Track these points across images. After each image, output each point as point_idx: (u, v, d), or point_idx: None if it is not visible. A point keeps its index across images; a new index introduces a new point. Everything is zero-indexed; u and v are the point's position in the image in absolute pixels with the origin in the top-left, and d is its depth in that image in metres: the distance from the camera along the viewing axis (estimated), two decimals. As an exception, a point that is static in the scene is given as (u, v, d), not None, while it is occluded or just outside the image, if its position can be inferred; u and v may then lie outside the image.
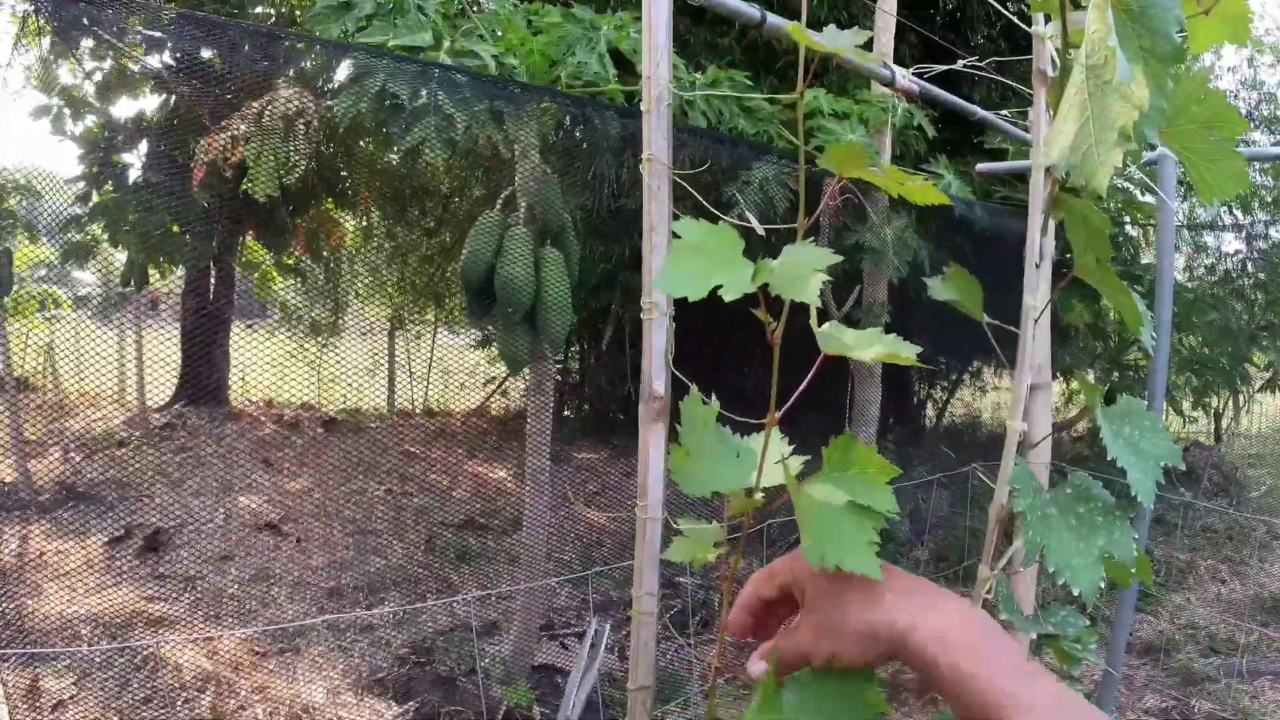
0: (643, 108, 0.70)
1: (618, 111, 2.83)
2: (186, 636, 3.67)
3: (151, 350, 7.71)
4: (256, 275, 8.54)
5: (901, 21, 4.32)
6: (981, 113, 2.39)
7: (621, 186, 3.21)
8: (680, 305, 0.68)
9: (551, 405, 3.41)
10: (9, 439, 5.32)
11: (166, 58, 6.42)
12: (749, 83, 3.39)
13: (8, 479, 5.31)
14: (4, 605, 3.78)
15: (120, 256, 7.05)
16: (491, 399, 9.37)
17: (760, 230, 0.78)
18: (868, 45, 0.65)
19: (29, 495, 5.12)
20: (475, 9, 2.81)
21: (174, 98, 6.79)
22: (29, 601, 3.87)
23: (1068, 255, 0.79)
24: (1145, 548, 3.56)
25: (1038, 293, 0.77)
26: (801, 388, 0.68)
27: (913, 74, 2.04)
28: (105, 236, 6.76)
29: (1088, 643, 0.78)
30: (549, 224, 3.09)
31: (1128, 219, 5.72)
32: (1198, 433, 8.56)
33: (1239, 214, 6.67)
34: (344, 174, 7.24)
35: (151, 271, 7.16)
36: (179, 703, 3.16)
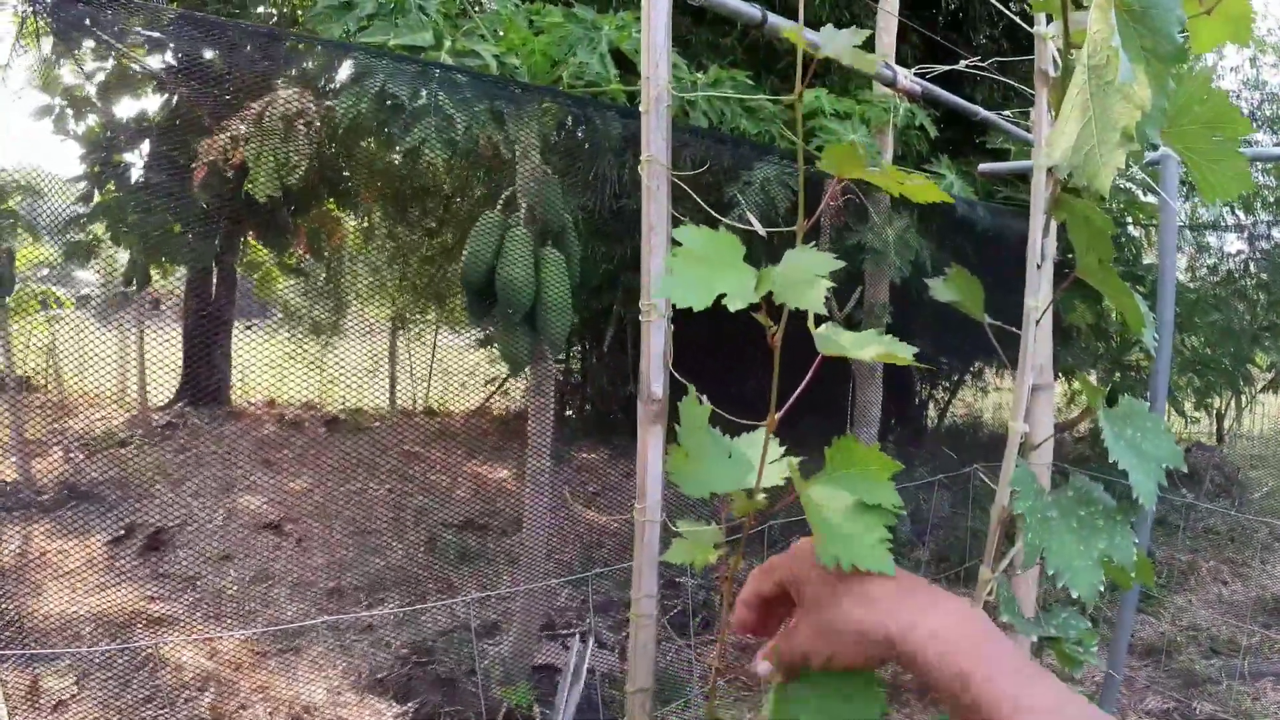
0: (641, 108, 0.70)
1: (619, 112, 2.83)
2: (187, 636, 3.67)
3: (153, 350, 7.72)
4: (258, 275, 8.55)
5: (903, 21, 4.32)
6: (983, 113, 2.38)
7: (623, 187, 3.21)
8: (679, 307, 0.68)
9: (552, 406, 3.41)
10: (11, 439, 5.33)
11: (168, 58, 6.43)
12: (751, 83, 3.38)
13: (10, 478, 5.31)
14: (5, 605, 3.78)
15: (122, 256, 7.06)
16: (493, 399, 9.37)
17: (762, 231, 0.78)
18: (868, 45, 0.65)
19: (30, 495, 5.12)
20: (477, 9, 2.81)
21: (175, 98, 6.79)
22: (30, 601, 3.88)
23: (1070, 256, 0.79)
24: (1147, 549, 3.56)
25: (1039, 293, 0.76)
26: (800, 389, 0.68)
27: (914, 74, 2.03)
28: (107, 236, 6.77)
29: (1089, 645, 0.77)
30: (550, 224, 3.09)
31: (1130, 219, 5.71)
32: (1200, 434, 8.54)
33: (1241, 214, 6.66)
34: (346, 174, 7.24)
35: (153, 271, 7.17)
36: (180, 702, 3.16)
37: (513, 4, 2.82)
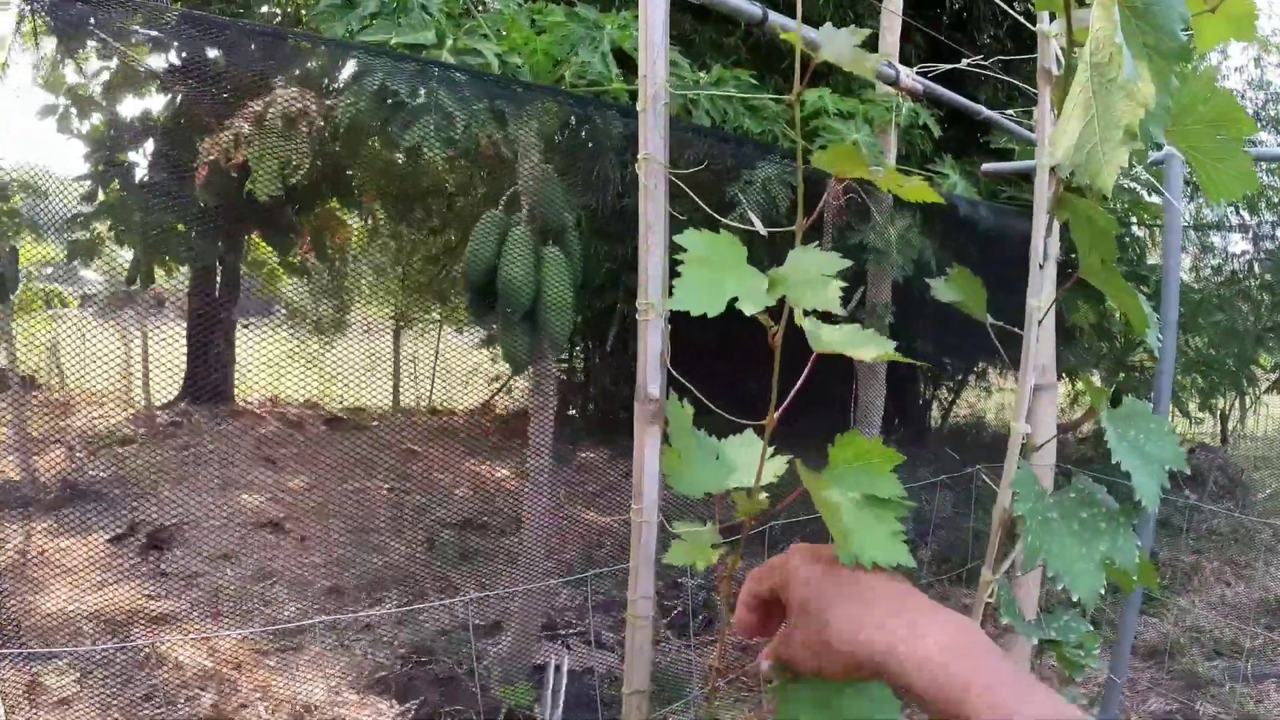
0: (639, 106, 0.70)
1: (621, 111, 2.82)
2: (188, 634, 3.68)
3: (156, 348, 7.73)
4: (262, 274, 8.56)
5: (907, 21, 4.31)
6: (986, 112, 2.37)
7: (625, 186, 3.20)
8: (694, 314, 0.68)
9: (553, 405, 3.41)
10: (13, 437, 5.34)
11: (170, 57, 6.44)
12: (754, 82, 3.38)
13: (12, 477, 5.32)
14: (6, 602, 3.78)
15: (125, 255, 7.08)
16: (494, 398, 9.38)
17: (762, 230, 0.77)
18: (870, 44, 0.64)
19: (33, 492, 5.13)
20: (480, 9, 2.81)
21: (176, 97, 6.80)
22: (31, 599, 3.88)
23: (1074, 256, 0.78)
24: (1151, 551, 3.55)
25: (1042, 293, 0.76)
26: (796, 388, 0.67)
27: (917, 73, 2.02)
28: (110, 235, 6.78)
29: (1090, 648, 0.77)
30: (551, 223, 3.08)
31: (1135, 220, 5.70)
32: (1203, 434, 8.52)
33: (1246, 215, 6.65)
34: (349, 173, 7.24)
35: (157, 270, 7.18)
36: (180, 701, 3.16)
37: (515, 3, 2.81)
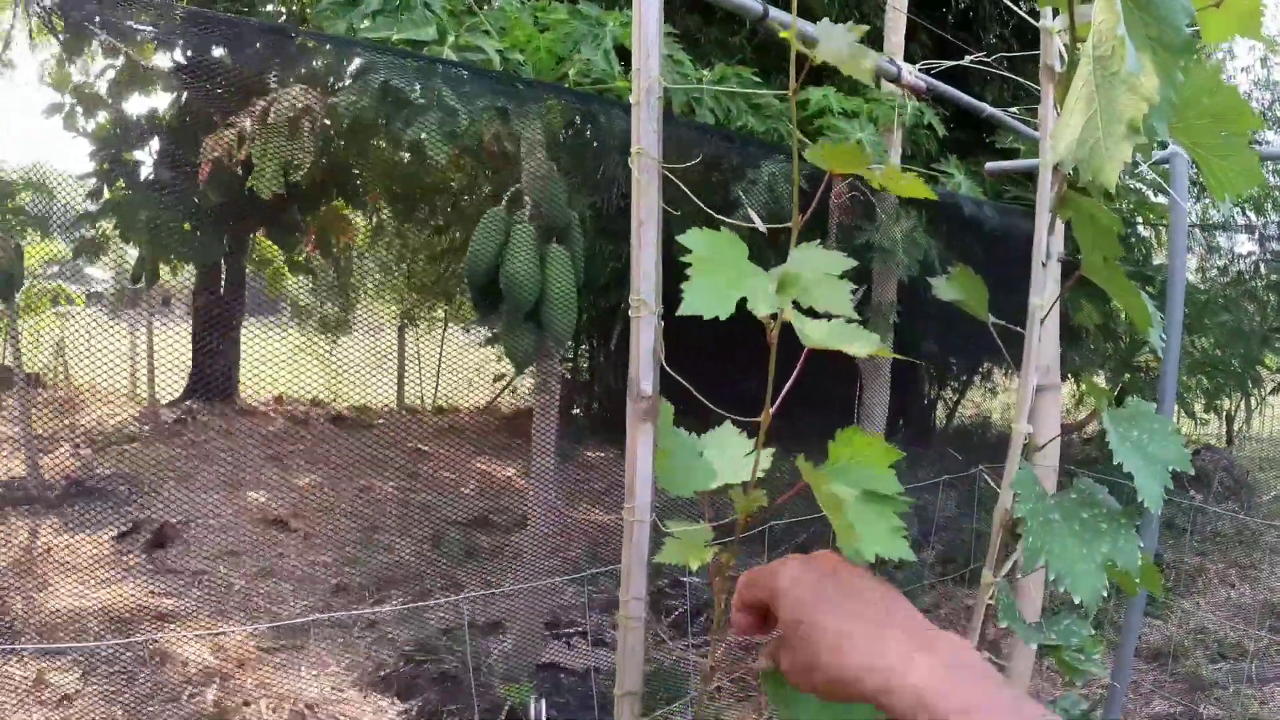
0: (631, 100, 0.69)
1: (623, 108, 2.81)
2: (193, 631, 3.68)
3: (162, 346, 7.75)
4: (268, 272, 8.57)
5: (913, 19, 4.29)
6: (990, 109, 2.37)
7: (629, 184, 3.19)
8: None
9: (557, 403, 3.40)
10: (20, 434, 5.35)
11: (175, 55, 6.45)
12: (757, 80, 3.36)
13: (19, 474, 5.34)
14: (12, 599, 3.79)
15: (131, 253, 7.09)
16: (499, 396, 9.38)
17: (762, 228, 0.77)
18: (872, 41, 0.63)
19: (39, 490, 5.15)
20: (484, 7, 2.80)
21: (181, 94, 6.81)
22: (36, 595, 3.89)
23: (1078, 255, 0.77)
24: (1155, 553, 3.53)
25: (1044, 292, 0.75)
26: (788, 384, 0.66)
27: (920, 70, 2.01)
28: (116, 233, 6.79)
29: (1091, 653, 0.76)
30: (554, 221, 3.07)
31: (1140, 220, 5.67)
32: (1209, 436, 8.49)
33: (1252, 215, 6.62)
34: (354, 170, 7.25)
35: (162, 268, 7.20)
36: (185, 697, 3.16)
37: (517, 1, 2.81)
